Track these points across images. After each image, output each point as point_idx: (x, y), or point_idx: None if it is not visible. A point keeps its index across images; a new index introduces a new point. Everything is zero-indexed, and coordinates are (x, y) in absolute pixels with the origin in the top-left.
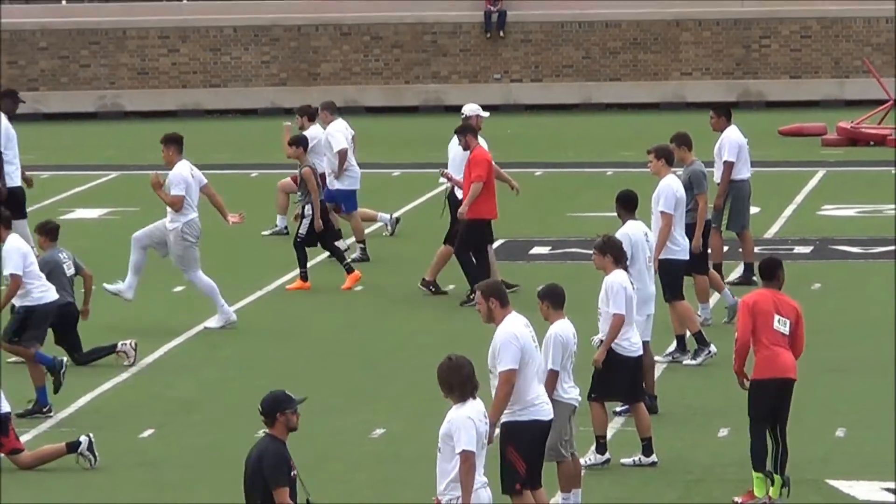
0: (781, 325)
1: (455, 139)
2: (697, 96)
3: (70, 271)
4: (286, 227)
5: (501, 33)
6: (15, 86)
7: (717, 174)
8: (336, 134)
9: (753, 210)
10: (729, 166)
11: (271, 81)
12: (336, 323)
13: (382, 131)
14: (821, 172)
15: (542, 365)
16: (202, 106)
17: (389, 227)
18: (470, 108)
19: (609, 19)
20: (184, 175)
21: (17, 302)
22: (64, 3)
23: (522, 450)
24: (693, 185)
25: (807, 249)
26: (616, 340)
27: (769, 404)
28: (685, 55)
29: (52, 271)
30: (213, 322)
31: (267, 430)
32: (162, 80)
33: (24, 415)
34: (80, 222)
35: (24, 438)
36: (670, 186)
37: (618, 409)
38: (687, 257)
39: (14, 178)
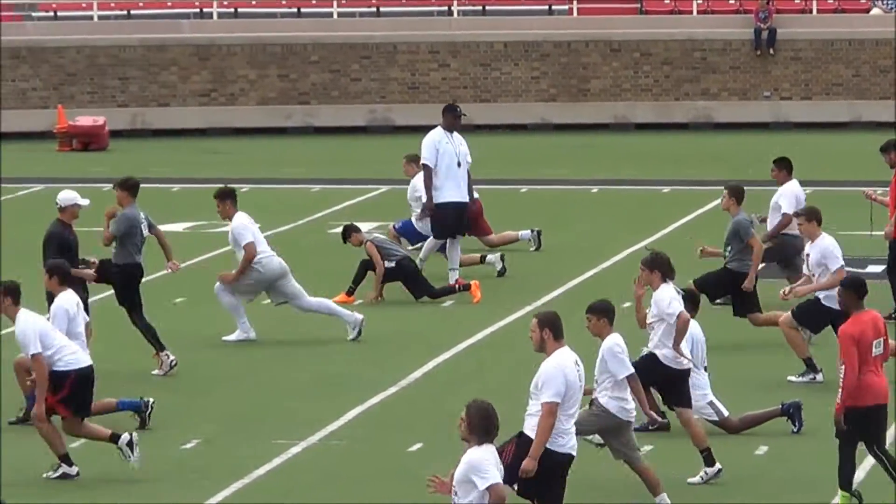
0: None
1: None
2: None
3: (145, 232)
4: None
5: (771, 51)
6: (285, 99)
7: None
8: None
9: None
10: (788, 219)
11: (541, 97)
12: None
13: (652, 148)
14: None
15: (580, 401)
16: (472, 121)
17: (533, 243)
18: None
19: (879, 37)
20: None
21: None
22: (336, 17)
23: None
24: (741, 233)
25: None
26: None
27: None
28: None
29: (128, 230)
30: (231, 336)
31: None
32: (432, 95)
33: (16, 422)
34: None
35: (293, 451)
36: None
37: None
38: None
39: (449, 195)
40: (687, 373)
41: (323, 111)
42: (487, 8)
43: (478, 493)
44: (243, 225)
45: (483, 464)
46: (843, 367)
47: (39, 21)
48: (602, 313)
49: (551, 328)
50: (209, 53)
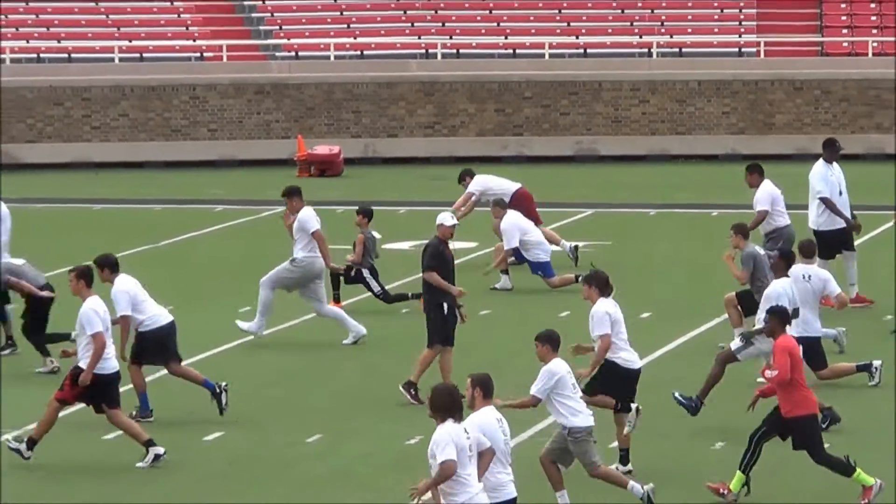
0: None
1: None
2: None
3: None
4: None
5: None
6: (501, 130)
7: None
8: (509, 228)
9: None
10: (762, 215)
11: (731, 130)
12: None
13: None
14: None
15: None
16: (669, 151)
17: (571, 255)
18: None
19: None
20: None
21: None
22: (547, 57)
23: None
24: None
25: None
26: (613, 356)
27: None
28: None
29: None
30: (245, 324)
31: None
32: (633, 128)
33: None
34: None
35: None
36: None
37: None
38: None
39: (836, 222)
40: (637, 372)
41: (535, 142)
42: (683, 50)
43: (436, 467)
44: (308, 217)
45: (440, 442)
46: (774, 372)
47: (282, 60)
48: (546, 340)
49: (482, 388)
50: (434, 89)
